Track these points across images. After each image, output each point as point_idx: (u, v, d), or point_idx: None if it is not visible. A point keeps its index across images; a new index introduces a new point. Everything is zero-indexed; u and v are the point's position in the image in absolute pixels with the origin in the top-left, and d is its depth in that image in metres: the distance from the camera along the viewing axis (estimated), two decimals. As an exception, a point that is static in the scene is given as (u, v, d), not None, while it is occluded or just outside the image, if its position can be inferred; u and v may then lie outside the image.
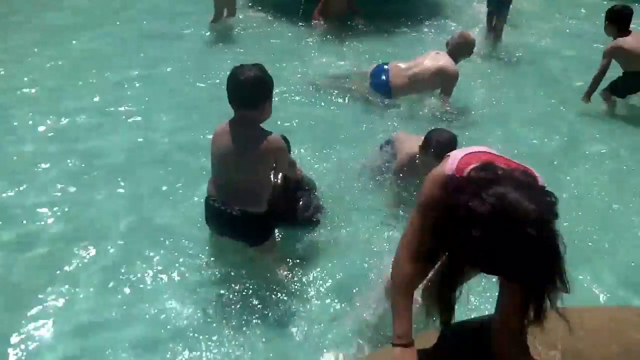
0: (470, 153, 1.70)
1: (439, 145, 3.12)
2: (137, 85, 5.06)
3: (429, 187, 1.73)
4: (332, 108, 4.92)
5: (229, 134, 2.79)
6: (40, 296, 2.82)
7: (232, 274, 2.97)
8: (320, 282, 3.02)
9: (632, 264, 3.34)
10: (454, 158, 1.70)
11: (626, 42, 4.91)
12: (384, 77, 4.80)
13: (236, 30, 6.44)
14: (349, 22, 6.55)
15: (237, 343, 2.64)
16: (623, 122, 5.07)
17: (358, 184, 3.80)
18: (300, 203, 3.28)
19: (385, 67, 4.86)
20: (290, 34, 6.43)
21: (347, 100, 5.00)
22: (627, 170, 4.36)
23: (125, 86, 5.02)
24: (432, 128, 3.46)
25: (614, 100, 5.18)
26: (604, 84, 5.11)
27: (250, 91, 2.72)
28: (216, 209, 2.86)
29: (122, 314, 2.77)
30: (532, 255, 1.32)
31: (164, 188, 3.69)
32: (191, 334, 2.68)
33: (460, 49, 4.83)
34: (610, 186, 4.13)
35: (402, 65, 4.85)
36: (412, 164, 3.47)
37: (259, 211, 2.84)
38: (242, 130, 2.78)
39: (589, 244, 3.45)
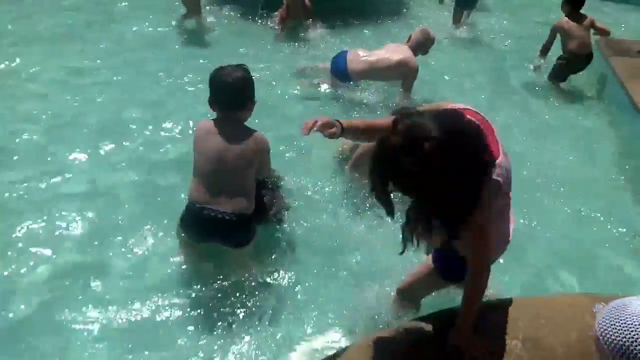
0: (472, 110, 1.86)
1: None
2: (101, 88, 4.89)
3: (431, 107, 1.95)
4: (296, 103, 4.92)
5: (216, 134, 2.75)
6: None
7: (212, 276, 2.90)
8: (293, 277, 3.00)
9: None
10: (460, 104, 1.90)
11: (569, 22, 5.39)
12: (343, 62, 4.84)
13: (198, 30, 6.35)
14: (309, 21, 6.48)
15: (224, 342, 2.62)
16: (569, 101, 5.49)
17: (324, 179, 3.80)
18: (264, 201, 3.25)
19: (346, 53, 4.90)
20: (252, 32, 6.37)
21: (312, 95, 5.00)
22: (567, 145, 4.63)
23: (88, 89, 4.86)
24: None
25: (557, 83, 5.66)
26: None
27: (238, 92, 2.74)
28: (204, 215, 2.73)
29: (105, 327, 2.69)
30: (427, 170, 1.53)
31: (126, 198, 3.57)
32: (182, 339, 2.64)
33: (420, 45, 4.86)
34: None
35: (363, 52, 4.89)
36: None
37: (249, 212, 2.80)
38: (229, 130, 2.76)
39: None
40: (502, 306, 2.13)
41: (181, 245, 3.00)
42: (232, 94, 2.75)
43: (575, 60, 5.46)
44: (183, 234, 2.91)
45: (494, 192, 1.76)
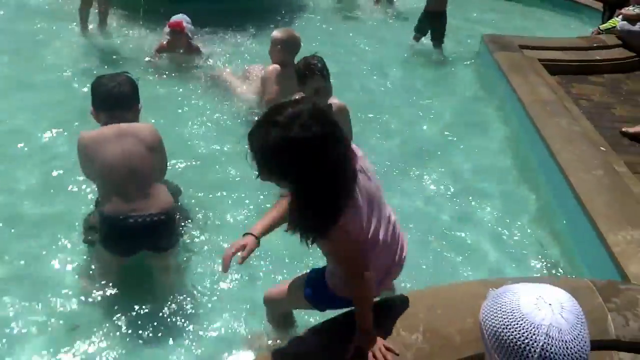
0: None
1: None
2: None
3: None
4: (200, 107, 4.82)
5: (112, 139, 2.67)
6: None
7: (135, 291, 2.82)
8: (189, 291, 2.91)
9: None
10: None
11: None
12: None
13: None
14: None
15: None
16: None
17: (227, 192, 3.72)
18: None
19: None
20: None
21: (216, 99, 4.93)
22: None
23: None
24: None
25: (418, 36, 6.72)
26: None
27: (126, 94, 2.79)
28: (130, 224, 2.60)
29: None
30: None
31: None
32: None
33: (291, 50, 4.18)
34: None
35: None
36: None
37: (173, 207, 2.75)
38: (123, 131, 2.70)
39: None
40: (400, 301, 2.15)
41: (102, 265, 2.88)
42: (120, 96, 2.77)
43: (431, 17, 6.54)
44: (108, 252, 2.77)
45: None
